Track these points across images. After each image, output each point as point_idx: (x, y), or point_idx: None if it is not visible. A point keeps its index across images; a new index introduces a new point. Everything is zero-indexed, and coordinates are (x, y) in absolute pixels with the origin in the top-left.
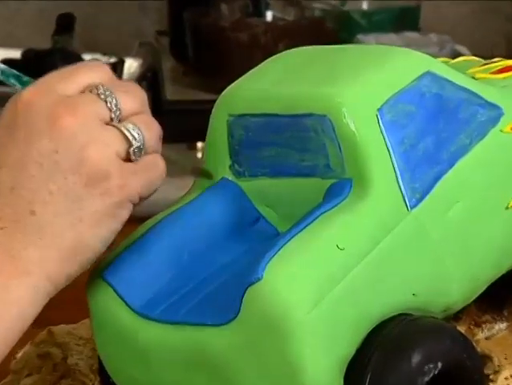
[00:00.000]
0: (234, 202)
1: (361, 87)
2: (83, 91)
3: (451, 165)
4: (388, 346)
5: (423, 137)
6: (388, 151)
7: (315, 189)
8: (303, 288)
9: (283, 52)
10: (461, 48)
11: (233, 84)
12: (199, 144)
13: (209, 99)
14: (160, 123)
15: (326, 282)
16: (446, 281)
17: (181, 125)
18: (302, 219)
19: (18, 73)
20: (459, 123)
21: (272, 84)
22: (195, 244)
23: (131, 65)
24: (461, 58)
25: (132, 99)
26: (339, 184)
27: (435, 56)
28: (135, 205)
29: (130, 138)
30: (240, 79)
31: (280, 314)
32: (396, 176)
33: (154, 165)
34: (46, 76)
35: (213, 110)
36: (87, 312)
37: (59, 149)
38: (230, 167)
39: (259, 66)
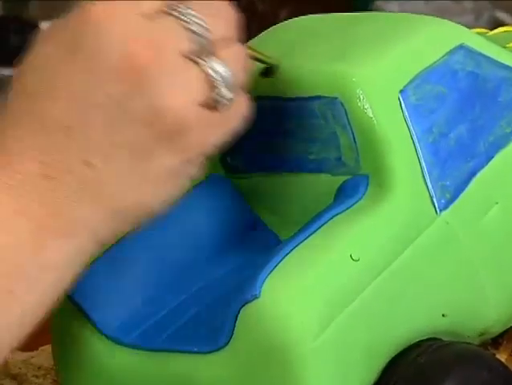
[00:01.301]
0: (226, 204)
1: (380, 63)
2: (164, 10)
3: (489, 159)
4: (412, 378)
5: (455, 125)
6: (413, 141)
7: (324, 188)
8: (309, 308)
9: (285, 22)
10: (501, 16)
11: None
12: None
13: None
14: None
15: (336, 301)
16: (482, 298)
17: None
18: (309, 224)
19: None
20: (499, 107)
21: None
22: (179, 255)
23: None
24: (501, 29)
25: (221, 24)
26: (353, 182)
27: (470, 26)
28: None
29: (215, 80)
30: None
31: (280, 340)
32: (422, 172)
33: (239, 109)
34: None
35: None
36: (48, 337)
37: (131, 94)
38: (221, 160)
39: (256, 38)
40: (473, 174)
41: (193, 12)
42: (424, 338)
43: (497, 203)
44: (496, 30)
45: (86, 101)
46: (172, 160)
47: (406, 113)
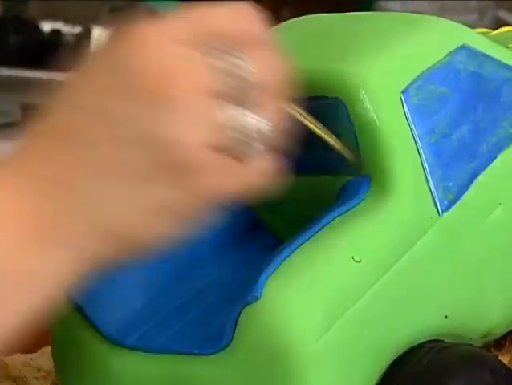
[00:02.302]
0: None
1: (382, 64)
2: (206, 44)
3: (491, 160)
4: (414, 380)
5: (457, 125)
6: (415, 142)
7: (326, 189)
8: (311, 310)
9: (288, 21)
10: (505, 15)
11: None
12: None
13: None
14: None
15: (338, 303)
16: (485, 300)
17: None
18: (310, 225)
19: None
20: (501, 108)
21: None
22: (179, 256)
23: (99, 36)
24: (504, 29)
25: (264, 75)
26: (355, 183)
27: (473, 26)
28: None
29: (237, 127)
30: None
31: (282, 341)
32: (425, 173)
33: (262, 166)
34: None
35: None
36: (48, 338)
37: (142, 115)
38: None
39: None
40: (475, 175)
41: (234, 51)
42: (427, 339)
43: (500, 204)
44: (499, 30)
45: (99, 111)
46: (172, 194)
47: (408, 114)
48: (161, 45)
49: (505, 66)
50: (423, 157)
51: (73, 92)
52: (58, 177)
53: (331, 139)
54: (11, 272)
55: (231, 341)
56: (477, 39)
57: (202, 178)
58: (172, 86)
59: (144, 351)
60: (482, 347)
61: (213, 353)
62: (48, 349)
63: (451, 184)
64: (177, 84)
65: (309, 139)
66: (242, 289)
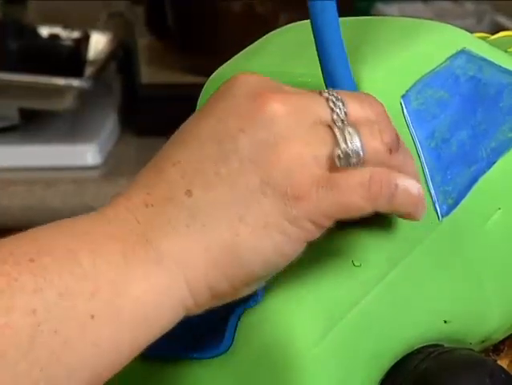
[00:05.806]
0: None
1: (381, 68)
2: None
3: (491, 164)
4: None
5: (457, 130)
6: (415, 146)
7: None
8: (311, 314)
9: (287, 26)
10: (503, 20)
11: (224, 65)
12: None
13: (195, 83)
14: (134, 112)
15: (338, 307)
16: (485, 305)
17: (160, 115)
18: None
19: None
20: (501, 112)
21: (273, 65)
22: None
23: (98, 41)
24: (502, 34)
25: (365, 107)
26: None
27: (471, 30)
28: (321, 228)
29: (339, 139)
30: (233, 58)
31: (281, 346)
32: (425, 178)
33: (360, 184)
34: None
35: (201, 97)
36: None
37: (247, 130)
38: None
39: (257, 42)
40: (475, 179)
41: (337, 95)
42: (426, 344)
43: (499, 208)
44: (497, 35)
45: (200, 135)
46: (271, 208)
47: (408, 118)
48: (266, 80)
49: (505, 70)
50: (423, 162)
51: (189, 122)
52: (164, 195)
53: None
54: (116, 293)
55: (231, 345)
56: (477, 44)
57: (307, 193)
58: (275, 99)
59: (144, 356)
60: (481, 352)
61: (213, 357)
62: None
63: (450, 188)
64: (290, 107)
65: None
66: None
